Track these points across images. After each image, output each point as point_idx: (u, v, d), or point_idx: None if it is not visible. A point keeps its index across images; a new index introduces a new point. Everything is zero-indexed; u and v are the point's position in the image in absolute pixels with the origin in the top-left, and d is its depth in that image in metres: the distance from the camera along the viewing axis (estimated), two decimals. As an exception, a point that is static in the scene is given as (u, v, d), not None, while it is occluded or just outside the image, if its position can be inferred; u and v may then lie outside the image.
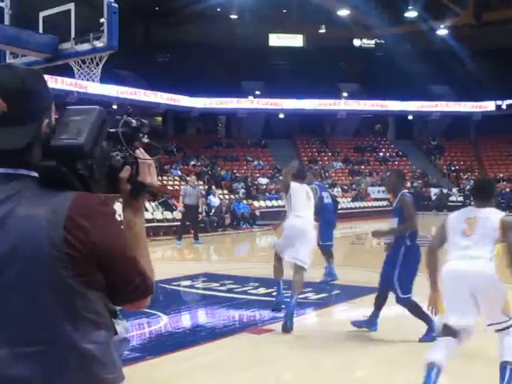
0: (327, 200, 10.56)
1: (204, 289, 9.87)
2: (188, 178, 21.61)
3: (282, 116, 39.72)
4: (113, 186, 1.72)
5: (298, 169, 8.62)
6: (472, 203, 5.12)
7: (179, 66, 33.87)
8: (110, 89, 29.24)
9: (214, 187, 26.98)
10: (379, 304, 6.87)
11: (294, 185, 7.82)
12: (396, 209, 6.78)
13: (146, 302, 1.72)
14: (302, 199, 7.78)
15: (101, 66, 5.84)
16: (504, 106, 40.87)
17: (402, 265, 6.48)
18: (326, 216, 10.30)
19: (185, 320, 8.12)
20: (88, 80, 6.15)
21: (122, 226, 1.76)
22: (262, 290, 9.54)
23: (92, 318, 1.58)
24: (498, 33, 37.21)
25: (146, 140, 1.78)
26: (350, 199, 33.46)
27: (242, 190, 29.75)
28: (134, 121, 1.75)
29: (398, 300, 6.59)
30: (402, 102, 40.79)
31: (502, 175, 38.41)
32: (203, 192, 22.59)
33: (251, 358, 5.98)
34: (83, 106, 1.66)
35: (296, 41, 40.14)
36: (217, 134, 42.60)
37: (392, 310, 8.57)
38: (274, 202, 28.47)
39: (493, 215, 4.66)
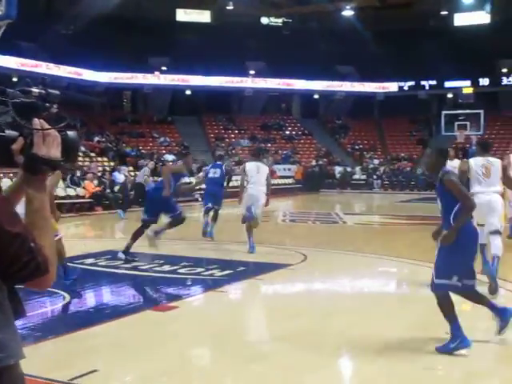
0: (213, 175, 13.18)
1: (108, 266, 9.70)
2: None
3: (188, 92, 39.42)
4: (8, 159, 1.65)
5: (253, 150, 12.92)
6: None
7: (83, 38, 32.81)
8: (9, 60, 28.21)
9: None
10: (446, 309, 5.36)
11: (248, 164, 11.60)
12: (438, 188, 5.53)
13: (46, 282, 1.66)
14: (251, 174, 11.21)
15: (-2, 35, 5.60)
16: (406, 87, 42.10)
17: (447, 246, 5.29)
18: (208, 187, 13.36)
19: (88, 298, 7.96)
20: (-15, 50, 5.89)
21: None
22: (166, 267, 9.48)
23: None
24: (400, 15, 38.17)
25: (54, 110, 1.72)
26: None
27: (148, 167, 29.41)
28: (36, 90, 1.69)
29: (432, 287, 5.39)
30: (307, 81, 41.28)
31: (403, 154, 39.67)
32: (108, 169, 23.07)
33: (156, 336, 5.94)
34: None
35: (204, 17, 39.74)
36: (122, 110, 41.86)
37: (297, 286, 8.72)
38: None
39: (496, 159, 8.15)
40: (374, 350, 5.44)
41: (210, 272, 9.09)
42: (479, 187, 7.84)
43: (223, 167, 13.64)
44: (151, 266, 9.64)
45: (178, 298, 7.66)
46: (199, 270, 9.26)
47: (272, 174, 34.22)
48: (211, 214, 12.89)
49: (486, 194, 7.77)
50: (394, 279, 9.52)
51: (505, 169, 8.15)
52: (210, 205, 12.95)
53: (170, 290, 8.11)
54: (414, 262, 10.13)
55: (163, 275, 8.97)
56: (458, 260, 5.23)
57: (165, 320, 6.66)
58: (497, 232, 7.78)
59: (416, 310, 7.04)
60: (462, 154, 25.07)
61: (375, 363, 5.13)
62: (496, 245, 7.72)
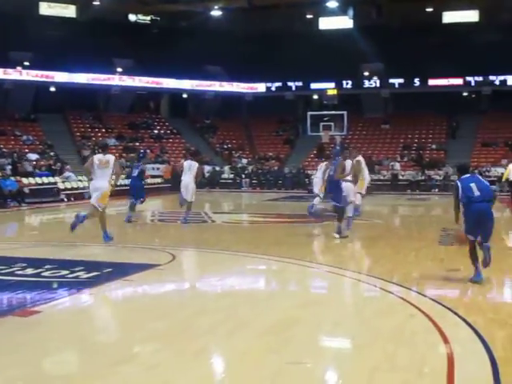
0: (134, 174, 17.51)
1: (-35, 271, 9.19)
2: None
3: (53, 89, 38.16)
4: None
5: (190, 151, 20.86)
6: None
7: None
8: None
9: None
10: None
11: (185, 162, 16.74)
12: None
13: None
14: (185, 169, 16.32)
15: None
16: (273, 88, 42.93)
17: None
18: (132, 182, 17.80)
19: None
20: None
21: None
22: (29, 271, 9.11)
23: None
24: (268, 17, 38.86)
25: None
26: (124, 176, 33.15)
27: (9, 166, 28.18)
28: None
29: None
30: (176, 80, 41.16)
31: (270, 154, 40.39)
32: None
33: (18, 342, 5.69)
34: None
35: (69, 11, 38.50)
36: (-19, 107, 39.86)
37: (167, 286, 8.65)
38: (45, 179, 27.36)
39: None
40: (240, 348, 5.49)
41: (75, 274, 8.83)
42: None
43: (140, 166, 17.59)
44: (13, 269, 9.22)
45: (41, 302, 7.37)
46: (64, 272, 8.96)
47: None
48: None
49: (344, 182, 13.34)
50: (262, 276, 9.65)
51: (353, 167, 13.48)
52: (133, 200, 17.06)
53: (33, 294, 7.79)
54: (281, 259, 10.34)
55: (26, 279, 8.61)
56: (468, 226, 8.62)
57: (27, 325, 6.39)
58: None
59: (283, 305, 7.18)
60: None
61: (242, 360, 5.18)
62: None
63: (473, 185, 8.70)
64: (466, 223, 8.58)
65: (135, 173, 17.51)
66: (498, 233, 15.35)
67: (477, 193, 8.52)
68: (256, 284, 9.02)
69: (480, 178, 9.08)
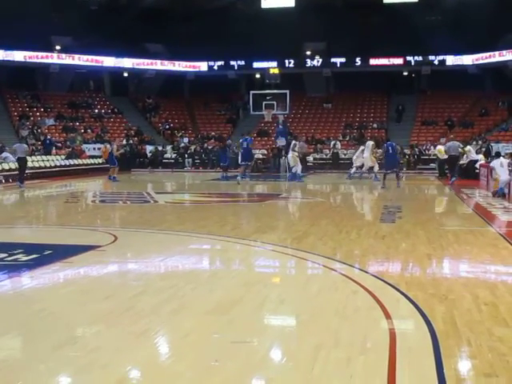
0: (244, 145, 25.23)
1: None
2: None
3: (-12, 67, 37.11)
4: None
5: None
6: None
7: None
8: None
9: None
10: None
11: (293, 142, 26.46)
12: None
13: None
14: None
15: None
16: (216, 67, 42.71)
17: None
18: (243, 151, 25.71)
19: None
20: None
21: None
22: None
23: None
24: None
25: None
26: (64, 156, 32.60)
27: None
28: None
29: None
30: (117, 59, 40.52)
31: (213, 133, 40.23)
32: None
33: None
34: None
35: (4, -14, 37.33)
36: None
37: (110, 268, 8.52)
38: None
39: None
40: (184, 328, 5.45)
41: (14, 257, 8.61)
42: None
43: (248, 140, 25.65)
44: None
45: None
46: (2, 255, 8.72)
47: (81, 153, 33.68)
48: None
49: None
50: (205, 256, 9.61)
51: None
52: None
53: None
54: (224, 238, 10.33)
55: None
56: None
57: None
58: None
59: (227, 285, 7.17)
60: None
61: (186, 341, 5.14)
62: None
63: (389, 147, 21.43)
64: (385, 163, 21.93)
65: (244, 145, 24.70)
66: (438, 211, 15.69)
67: (390, 151, 21.42)
68: (199, 264, 8.98)
69: (393, 146, 21.84)
